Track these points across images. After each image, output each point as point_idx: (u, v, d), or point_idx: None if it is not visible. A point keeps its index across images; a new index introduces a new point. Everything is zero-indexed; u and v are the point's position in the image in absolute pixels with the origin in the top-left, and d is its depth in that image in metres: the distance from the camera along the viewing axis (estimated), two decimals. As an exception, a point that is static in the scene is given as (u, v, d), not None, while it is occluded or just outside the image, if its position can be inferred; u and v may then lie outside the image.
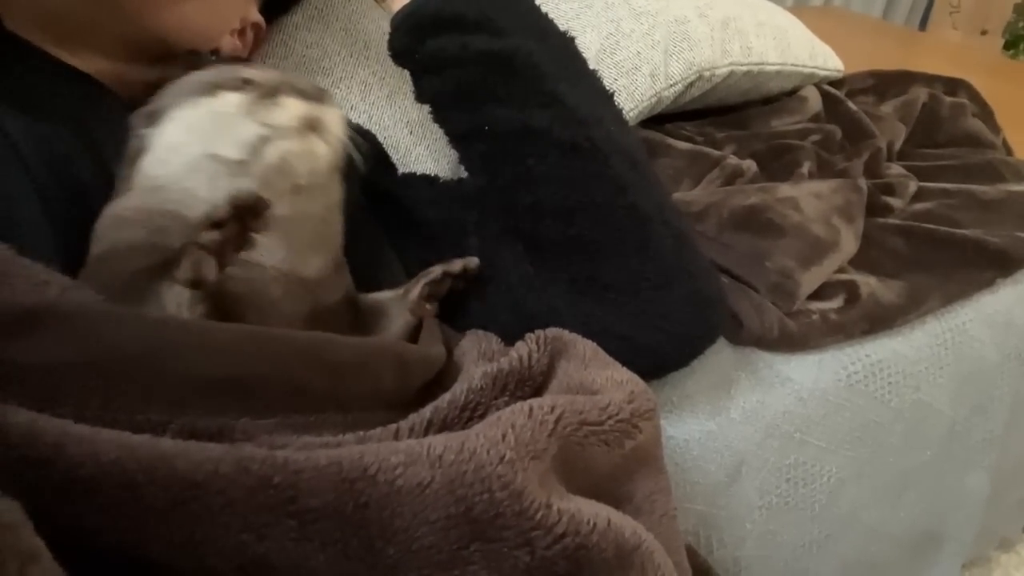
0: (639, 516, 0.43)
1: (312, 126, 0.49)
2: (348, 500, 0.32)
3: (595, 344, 0.53)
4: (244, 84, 0.49)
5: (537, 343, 0.51)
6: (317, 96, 0.50)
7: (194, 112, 0.49)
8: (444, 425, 0.44)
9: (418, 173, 0.75)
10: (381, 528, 0.33)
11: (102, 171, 0.53)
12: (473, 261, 0.62)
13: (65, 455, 0.32)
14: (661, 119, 1.09)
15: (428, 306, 0.59)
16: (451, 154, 0.89)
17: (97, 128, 0.56)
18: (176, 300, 0.44)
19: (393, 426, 0.42)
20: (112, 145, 0.53)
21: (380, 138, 0.79)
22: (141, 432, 0.34)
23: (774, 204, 0.86)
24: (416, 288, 0.59)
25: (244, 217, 0.43)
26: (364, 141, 0.54)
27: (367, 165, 0.54)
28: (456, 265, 0.61)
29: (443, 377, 0.52)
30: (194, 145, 0.48)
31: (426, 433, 0.43)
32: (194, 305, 0.44)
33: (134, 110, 0.56)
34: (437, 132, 0.87)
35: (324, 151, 0.50)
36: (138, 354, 0.38)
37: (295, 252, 0.50)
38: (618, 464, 0.44)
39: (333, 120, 0.51)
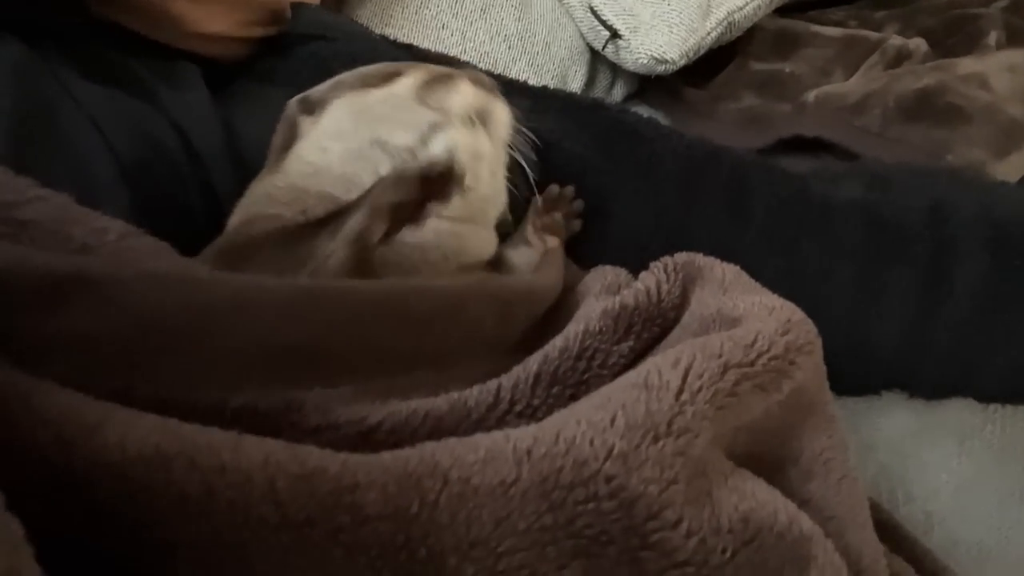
0: (810, 481, 0.34)
1: (482, 118, 0.47)
2: (414, 496, 0.25)
3: (738, 268, 0.43)
4: (418, 70, 0.47)
5: (666, 270, 0.42)
6: (490, 87, 0.48)
7: (362, 99, 0.47)
8: (555, 379, 0.36)
9: None
10: (455, 537, 0.25)
11: (181, 137, 0.52)
12: (579, 202, 0.55)
13: (102, 437, 0.27)
14: (803, 7, 0.94)
15: (548, 238, 0.52)
16: (554, 70, 0.80)
17: (171, 98, 0.55)
18: (329, 257, 0.40)
19: (494, 383, 0.35)
20: (188, 115, 0.53)
21: (476, 56, 0.72)
22: (196, 412, 0.29)
23: (954, 84, 0.70)
24: (530, 219, 0.53)
25: (432, 185, 0.40)
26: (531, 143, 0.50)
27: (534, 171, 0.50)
28: (570, 190, 0.55)
29: (559, 316, 0.45)
30: (360, 131, 0.46)
31: (534, 391, 0.35)
32: (345, 268, 0.40)
33: (212, 78, 0.57)
34: (537, 46, 0.79)
35: (488, 149, 0.47)
36: (184, 322, 0.33)
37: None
38: (775, 414, 0.34)
39: (501, 116, 0.48)
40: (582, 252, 0.55)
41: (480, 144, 0.46)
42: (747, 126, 0.77)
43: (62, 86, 0.49)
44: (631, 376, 0.31)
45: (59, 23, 0.55)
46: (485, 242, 0.49)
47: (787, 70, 0.83)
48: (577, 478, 0.26)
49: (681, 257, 0.44)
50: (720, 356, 0.32)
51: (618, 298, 0.40)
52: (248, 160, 0.56)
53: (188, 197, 0.52)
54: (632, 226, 0.55)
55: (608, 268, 0.50)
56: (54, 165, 0.46)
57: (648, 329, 0.39)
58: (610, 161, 0.56)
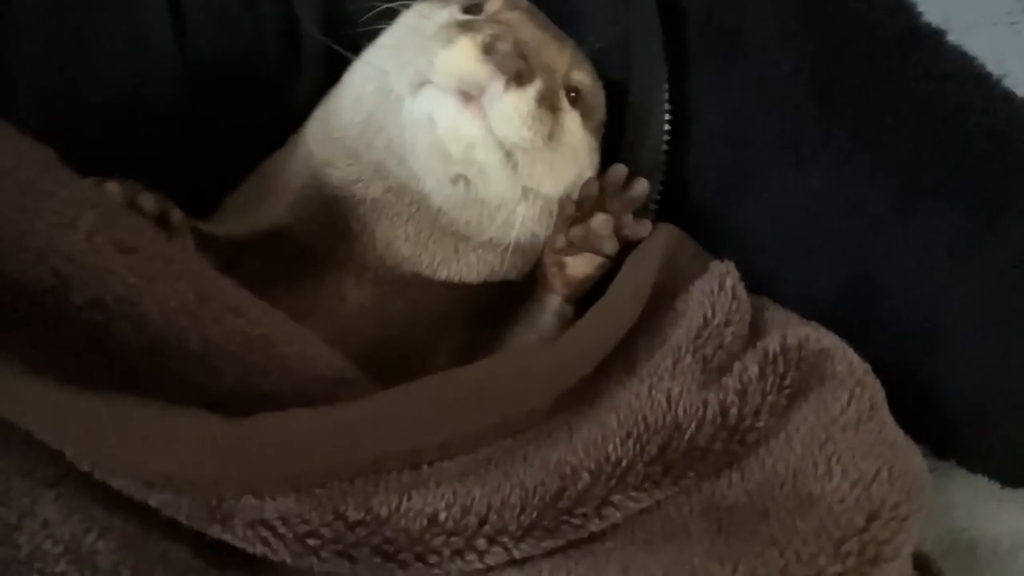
0: None
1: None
2: None
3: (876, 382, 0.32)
4: None
5: (767, 364, 0.31)
6: None
7: None
8: (547, 525, 0.29)
9: None
10: None
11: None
12: (642, 184, 0.42)
13: None
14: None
15: (568, 259, 0.41)
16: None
17: None
18: None
19: (479, 504, 0.30)
20: None
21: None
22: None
23: None
24: (552, 243, 0.42)
25: None
26: None
27: None
28: (618, 172, 0.42)
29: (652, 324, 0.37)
30: None
31: (519, 536, 0.29)
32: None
33: None
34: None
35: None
36: None
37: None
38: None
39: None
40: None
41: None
42: None
43: None
44: None
45: None
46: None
47: None
48: None
49: (813, 345, 0.31)
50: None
51: (674, 412, 0.30)
52: None
53: (258, 30, 0.49)
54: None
55: (730, 283, 0.36)
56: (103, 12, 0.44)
57: (700, 462, 0.30)
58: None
